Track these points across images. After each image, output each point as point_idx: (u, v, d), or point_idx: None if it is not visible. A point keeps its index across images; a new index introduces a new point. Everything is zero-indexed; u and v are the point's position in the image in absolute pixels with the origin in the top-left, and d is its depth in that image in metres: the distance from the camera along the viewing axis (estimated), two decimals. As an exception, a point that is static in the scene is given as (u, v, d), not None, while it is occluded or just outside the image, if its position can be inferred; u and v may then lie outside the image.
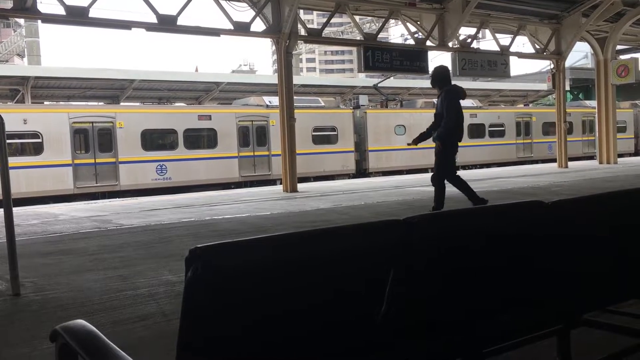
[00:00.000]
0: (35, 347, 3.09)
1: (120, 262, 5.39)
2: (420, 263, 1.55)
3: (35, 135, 16.66)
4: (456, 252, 1.64)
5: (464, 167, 24.25)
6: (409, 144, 8.84)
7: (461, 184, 7.93)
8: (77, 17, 11.12)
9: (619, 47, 21.74)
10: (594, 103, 22.26)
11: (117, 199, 14.65)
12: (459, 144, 8.06)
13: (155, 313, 3.65)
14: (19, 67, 27.18)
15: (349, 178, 21.07)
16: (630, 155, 28.95)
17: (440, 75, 8.10)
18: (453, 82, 8.26)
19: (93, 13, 11.25)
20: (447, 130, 7.78)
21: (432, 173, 8.22)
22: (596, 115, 20.91)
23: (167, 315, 3.58)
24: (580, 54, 48.37)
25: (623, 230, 2.22)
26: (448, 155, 7.96)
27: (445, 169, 7.95)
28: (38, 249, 6.32)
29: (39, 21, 12.22)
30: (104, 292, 4.26)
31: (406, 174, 21.32)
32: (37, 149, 16.71)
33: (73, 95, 21.35)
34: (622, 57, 22.06)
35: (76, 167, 16.97)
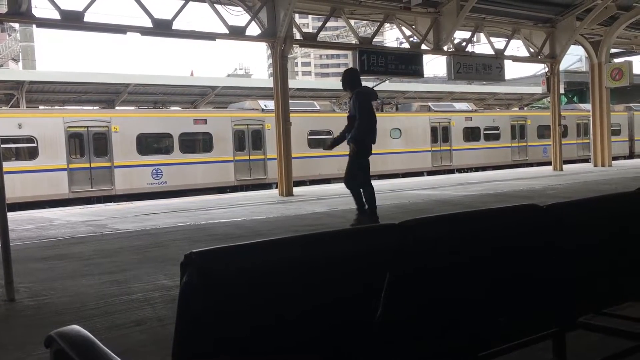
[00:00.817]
0: (30, 352, 3.07)
1: (116, 267, 5.37)
2: (416, 267, 1.55)
3: (30, 139, 16.60)
4: (451, 256, 1.64)
5: (460, 170, 24.35)
6: (324, 149, 8.73)
7: (356, 192, 7.73)
8: (72, 21, 11.11)
9: (612, 50, 21.85)
10: (588, 106, 22.36)
11: (113, 203, 14.62)
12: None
13: (150, 318, 3.64)
14: (14, 72, 27.15)
15: (344, 182, 21.03)
16: (624, 158, 29.06)
17: (349, 78, 8.00)
18: (365, 84, 8.19)
19: (88, 17, 11.25)
20: (360, 132, 7.63)
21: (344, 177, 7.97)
22: (591, 118, 21.00)
23: (162, 320, 3.57)
24: (574, 58, 48.63)
25: (618, 233, 2.22)
26: (360, 158, 7.78)
27: (364, 172, 7.78)
28: (33, 254, 6.29)
29: (34, 26, 12.18)
30: (99, 297, 4.24)
31: (402, 177, 21.35)
32: (32, 154, 16.65)
33: (68, 100, 21.31)
34: (616, 60, 22.19)
35: (71, 172, 16.92)
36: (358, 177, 7.80)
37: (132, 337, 3.26)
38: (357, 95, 7.74)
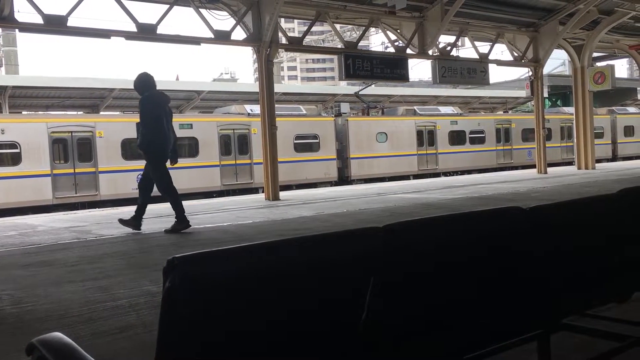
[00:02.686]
0: (12, 361, 3.03)
1: (100, 273, 5.32)
2: (400, 270, 1.55)
3: (13, 145, 16.42)
4: (436, 259, 1.65)
5: (446, 174, 24.49)
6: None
7: (173, 197, 7.89)
8: (55, 26, 11.01)
9: (595, 54, 22.13)
10: (571, 109, 22.61)
11: (97, 209, 14.48)
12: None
13: (135, 324, 3.61)
14: (-4, 77, 26.77)
15: (331, 185, 21.09)
16: (607, 160, 29.39)
17: (140, 83, 7.91)
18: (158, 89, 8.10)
19: (72, 22, 11.14)
20: (144, 139, 7.62)
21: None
22: (574, 122, 21.22)
23: (147, 326, 3.54)
24: (557, 62, 49.18)
25: (601, 235, 2.24)
26: (157, 164, 7.78)
27: (161, 179, 7.82)
28: (16, 261, 6.21)
29: (17, 30, 12.05)
30: (83, 303, 4.19)
31: (388, 180, 21.41)
32: (15, 159, 16.47)
33: (52, 105, 21.11)
34: (599, 64, 22.47)
35: (55, 177, 16.76)
36: (160, 184, 7.82)
37: (117, 344, 3.23)
38: (142, 102, 7.67)
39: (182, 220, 7.90)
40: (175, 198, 7.88)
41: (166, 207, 12.73)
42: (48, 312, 4.02)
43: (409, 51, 15.94)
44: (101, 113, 21.20)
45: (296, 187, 20.09)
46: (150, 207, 12.71)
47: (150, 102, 7.69)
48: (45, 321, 3.78)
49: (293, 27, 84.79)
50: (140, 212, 7.99)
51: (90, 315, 3.85)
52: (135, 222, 8.01)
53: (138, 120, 7.83)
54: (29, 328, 3.64)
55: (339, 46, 16.75)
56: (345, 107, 24.28)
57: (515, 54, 19.02)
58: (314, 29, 15.39)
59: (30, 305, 4.24)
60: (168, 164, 8.01)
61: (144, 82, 7.91)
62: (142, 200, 7.99)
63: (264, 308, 1.32)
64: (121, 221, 8.14)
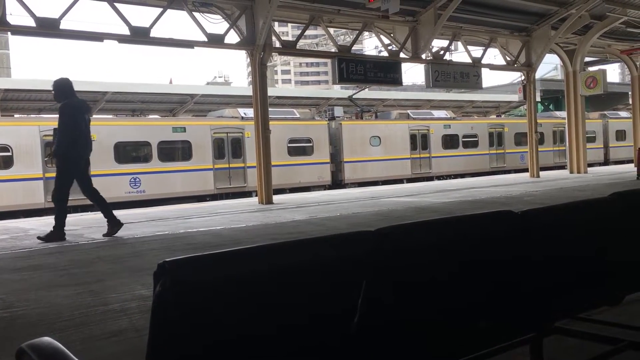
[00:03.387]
0: (2, 366, 3.00)
1: (92, 277, 5.29)
2: (392, 273, 1.55)
3: (5, 148, 16.33)
4: (428, 263, 1.64)
5: (439, 178, 24.55)
6: (49, 156, 8.58)
7: (100, 201, 7.95)
8: (47, 28, 10.98)
9: (587, 59, 22.26)
10: (564, 114, 22.73)
11: (90, 212, 14.40)
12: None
13: (127, 328, 3.59)
14: (-12, 80, 26.62)
15: (325, 189, 21.10)
16: (599, 164, 29.55)
17: (60, 90, 7.84)
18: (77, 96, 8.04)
19: (64, 25, 11.11)
20: (60, 146, 7.55)
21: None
22: (566, 126, 21.33)
23: (139, 330, 3.52)
24: (550, 66, 49.51)
25: (594, 238, 2.25)
26: (69, 172, 7.70)
27: (63, 186, 7.74)
28: (7, 265, 6.17)
29: (9, 33, 12.00)
30: (74, 308, 4.16)
31: (382, 184, 21.44)
32: (7, 163, 16.38)
33: (44, 108, 21.01)
34: (591, 68, 22.61)
35: (47, 181, 16.65)
36: (61, 190, 7.74)
37: (108, 349, 3.21)
38: (61, 109, 7.63)
39: (59, 227, 7.78)
40: (61, 206, 7.78)
41: (159, 210, 12.71)
42: (39, 316, 3.99)
43: (402, 55, 15.99)
44: (94, 116, 21.11)
45: (290, 190, 20.08)
46: (142, 212, 12.69)
47: (71, 109, 7.62)
48: (37, 326, 3.76)
49: (287, 31, 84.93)
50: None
51: (81, 320, 3.83)
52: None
53: (66, 126, 7.66)
54: (20, 333, 3.61)
55: (333, 50, 16.76)
56: (338, 111, 24.33)
57: (508, 59, 19.11)
58: (307, 32, 15.41)
59: (21, 309, 4.21)
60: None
61: (64, 88, 7.82)
62: (98, 203, 7.91)
63: (255, 312, 1.31)
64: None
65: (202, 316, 1.23)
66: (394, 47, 16.34)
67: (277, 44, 14.49)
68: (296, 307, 1.39)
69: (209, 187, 19.60)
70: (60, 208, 7.81)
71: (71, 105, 7.65)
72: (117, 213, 12.44)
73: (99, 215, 12.06)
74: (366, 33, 16.72)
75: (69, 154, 7.60)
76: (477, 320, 1.85)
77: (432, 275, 1.66)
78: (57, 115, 7.76)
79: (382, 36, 16.27)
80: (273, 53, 14.68)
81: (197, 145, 19.40)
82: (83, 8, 12.98)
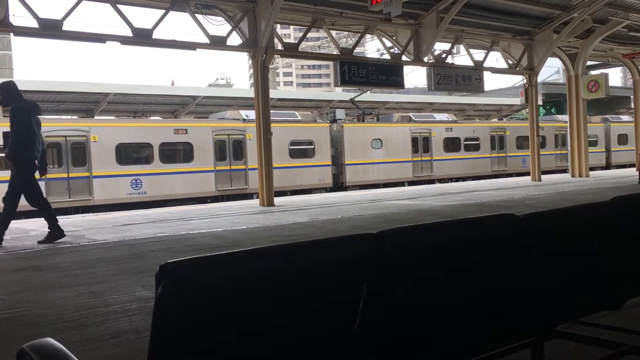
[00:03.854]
0: (3, 366, 3.00)
1: (93, 278, 5.29)
2: (393, 276, 1.55)
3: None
4: (429, 265, 1.64)
5: (440, 181, 24.54)
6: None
7: (45, 207, 7.80)
8: (50, 30, 11.00)
9: (589, 62, 22.26)
10: (566, 117, 22.72)
11: (91, 214, 14.43)
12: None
13: (128, 330, 3.59)
14: (-9, 80, 26.63)
15: (326, 192, 21.09)
16: (601, 168, 29.52)
17: (8, 93, 7.74)
18: (27, 99, 7.97)
19: (67, 26, 11.13)
20: (13, 149, 7.52)
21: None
22: (568, 130, 21.32)
23: (140, 332, 3.52)
24: (552, 70, 49.46)
25: (595, 243, 2.25)
26: (26, 175, 7.68)
27: (29, 189, 7.73)
28: (8, 266, 6.17)
29: (11, 34, 12.03)
30: (75, 309, 4.16)
31: (383, 187, 21.43)
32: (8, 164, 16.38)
33: (46, 109, 21.02)
34: (593, 72, 22.59)
35: (49, 182, 16.68)
36: (28, 195, 7.73)
37: (108, 350, 3.21)
38: (12, 111, 7.56)
39: (55, 229, 7.77)
40: (45, 208, 7.77)
41: (160, 212, 12.72)
42: (40, 317, 3.99)
43: (404, 58, 16.00)
44: (96, 117, 21.15)
45: (291, 193, 20.09)
46: (143, 213, 12.69)
47: (22, 111, 7.58)
48: (37, 327, 3.76)
49: (289, 33, 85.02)
50: (3, 227, 7.78)
51: (82, 321, 3.83)
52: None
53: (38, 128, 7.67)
54: (21, 334, 3.61)
55: (335, 52, 16.77)
56: (340, 114, 24.34)
57: (510, 62, 19.12)
58: (309, 35, 15.43)
59: (21, 310, 4.21)
60: (37, 175, 7.87)
61: (12, 91, 7.76)
62: (43, 210, 7.86)
63: (256, 314, 1.31)
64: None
65: (204, 317, 1.23)
66: (396, 50, 16.35)
67: (279, 46, 14.51)
68: (298, 309, 1.39)
69: (210, 188, 19.61)
70: (41, 208, 7.79)
71: (22, 108, 7.62)
72: (118, 214, 12.48)
73: (100, 217, 12.08)
74: (368, 36, 16.72)
75: (23, 155, 7.58)
76: (478, 323, 1.85)
77: (432, 278, 1.66)
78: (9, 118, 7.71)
79: (384, 39, 16.29)
80: (275, 55, 14.69)
81: (199, 147, 19.41)
82: (86, 9, 13.08)
